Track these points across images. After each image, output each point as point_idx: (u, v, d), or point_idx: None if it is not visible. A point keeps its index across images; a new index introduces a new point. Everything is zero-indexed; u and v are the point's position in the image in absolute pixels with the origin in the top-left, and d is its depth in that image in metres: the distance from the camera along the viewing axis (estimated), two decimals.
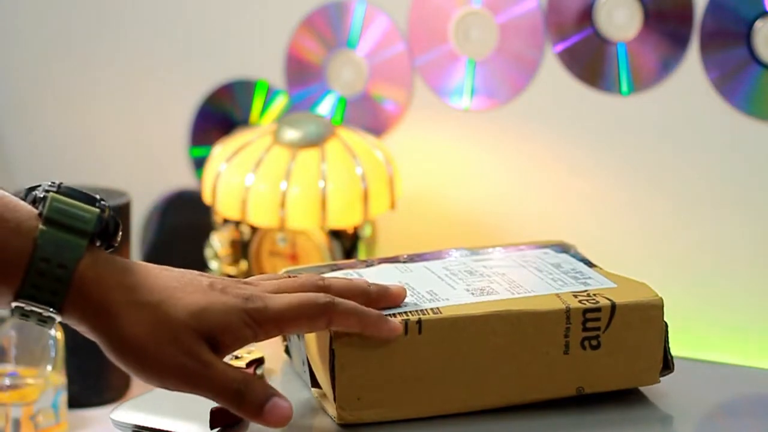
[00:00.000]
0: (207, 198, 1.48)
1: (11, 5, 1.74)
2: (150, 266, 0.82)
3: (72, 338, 1.32)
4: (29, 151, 1.76)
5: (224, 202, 1.44)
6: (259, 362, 0.94)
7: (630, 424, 0.88)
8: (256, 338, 0.81)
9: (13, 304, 0.78)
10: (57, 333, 1.30)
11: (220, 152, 1.47)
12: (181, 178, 1.67)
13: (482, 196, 1.54)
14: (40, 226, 0.78)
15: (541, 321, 0.87)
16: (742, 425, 0.91)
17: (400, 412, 0.86)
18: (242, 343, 0.81)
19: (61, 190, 0.81)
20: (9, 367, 1.30)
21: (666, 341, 0.90)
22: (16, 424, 1.27)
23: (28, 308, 0.78)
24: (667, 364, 0.90)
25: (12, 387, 1.29)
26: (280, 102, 1.62)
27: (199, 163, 1.65)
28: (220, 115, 1.65)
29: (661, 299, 0.89)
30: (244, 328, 0.80)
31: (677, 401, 0.91)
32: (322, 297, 0.82)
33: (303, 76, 1.61)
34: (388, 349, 0.85)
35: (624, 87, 1.46)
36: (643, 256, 1.47)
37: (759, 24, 1.40)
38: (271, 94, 1.63)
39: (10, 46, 1.75)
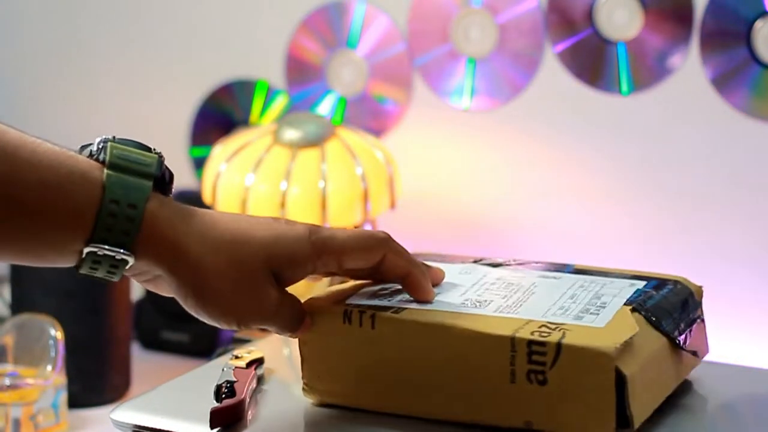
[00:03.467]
0: (207, 198, 1.48)
1: (13, 5, 1.74)
2: (211, 210, 0.85)
3: (72, 338, 1.32)
4: None
5: (224, 202, 1.44)
6: (259, 362, 0.94)
7: None
8: (315, 270, 0.84)
9: (86, 250, 0.78)
10: (57, 333, 1.29)
11: (220, 152, 1.47)
12: (181, 178, 1.67)
13: (482, 196, 1.54)
14: (106, 171, 0.81)
15: (482, 342, 0.83)
16: (743, 425, 0.91)
17: (356, 401, 0.86)
18: (302, 275, 0.84)
19: (116, 140, 0.84)
20: (9, 367, 1.30)
21: (624, 396, 0.80)
22: (16, 424, 1.27)
23: (101, 253, 0.78)
24: (625, 422, 0.81)
25: (12, 387, 1.29)
26: (280, 102, 1.62)
27: (199, 163, 1.65)
28: (220, 115, 1.65)
29: (615, 350, 0.79)
30: (306, 260, 0.83)
31: (677, 401, 0.90)
32: (381, 233, 0.86)
33: (303, 76, 1.61)
34: (345, 337, 0.85)
35: (624, 87, 1.46)
36: (643, 255, 1.47)
37: (759, 24, 1.40)
38: (271, 94, 1.63)
39: (11, 46, 1.75)
